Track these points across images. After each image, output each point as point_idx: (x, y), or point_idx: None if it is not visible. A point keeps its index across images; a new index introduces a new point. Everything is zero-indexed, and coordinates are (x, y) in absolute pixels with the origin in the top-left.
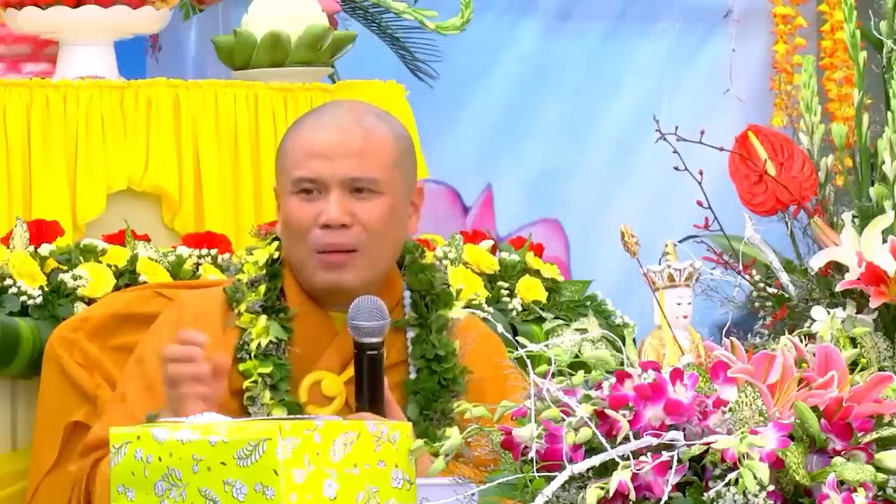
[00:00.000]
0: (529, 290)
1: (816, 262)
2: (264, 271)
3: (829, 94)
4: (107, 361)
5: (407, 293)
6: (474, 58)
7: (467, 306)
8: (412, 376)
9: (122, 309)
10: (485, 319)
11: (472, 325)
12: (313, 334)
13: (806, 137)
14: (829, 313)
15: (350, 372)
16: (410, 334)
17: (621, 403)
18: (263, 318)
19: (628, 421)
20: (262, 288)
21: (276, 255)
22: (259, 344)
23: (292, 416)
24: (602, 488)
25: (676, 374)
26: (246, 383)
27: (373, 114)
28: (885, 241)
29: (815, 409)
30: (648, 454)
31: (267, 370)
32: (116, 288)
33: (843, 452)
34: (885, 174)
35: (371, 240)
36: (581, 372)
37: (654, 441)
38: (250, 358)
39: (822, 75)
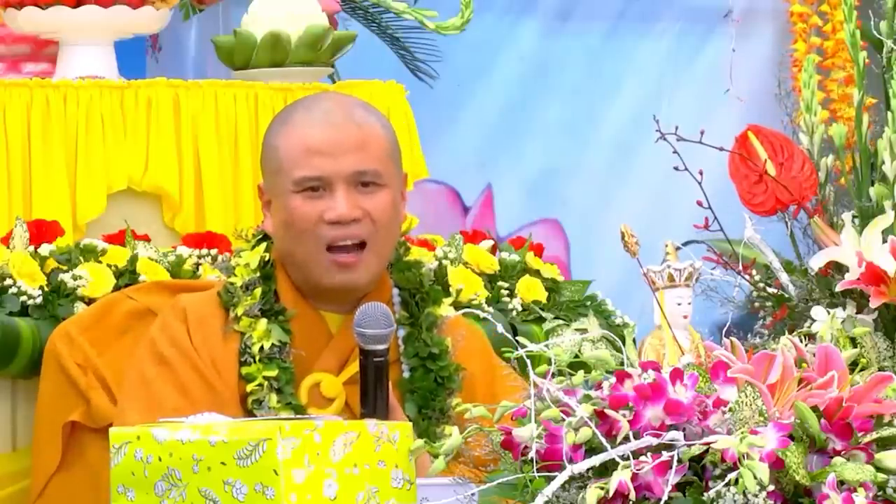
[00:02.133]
0: (529, 290)
1: (816, 262)
2: (258, 274)
3: (831, 95)
4: (102, 365)
5: (395, 291)
6: (474, 58)
7: (467, 306)
8: (406, 375)
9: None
10: (485, 319)
11: (459, 322)
12: (309, 336)
13: (806, 137)
14: (829, 313)
15: (348, 372)
16: (402, 333)
17: (621, 403)
18: (263, 321)
19: (628, 421)
20: (258, 291)
21: (266, 257)
22: (262, 347)
23: (292, 416)
24: (602, 488)
25: (676, 374)
26: (250, 387)
27: (360, 107)
28: (885, 241)
29: (815, 409)
30: (648, 454)
31: (272, 373)
32: (116, 288)
33: (843, 452)
34: (885, 174)
35: (380, 232)
36: (581, 372)
37: (654, 441)
38: (254, 362)
39: (825, 75)
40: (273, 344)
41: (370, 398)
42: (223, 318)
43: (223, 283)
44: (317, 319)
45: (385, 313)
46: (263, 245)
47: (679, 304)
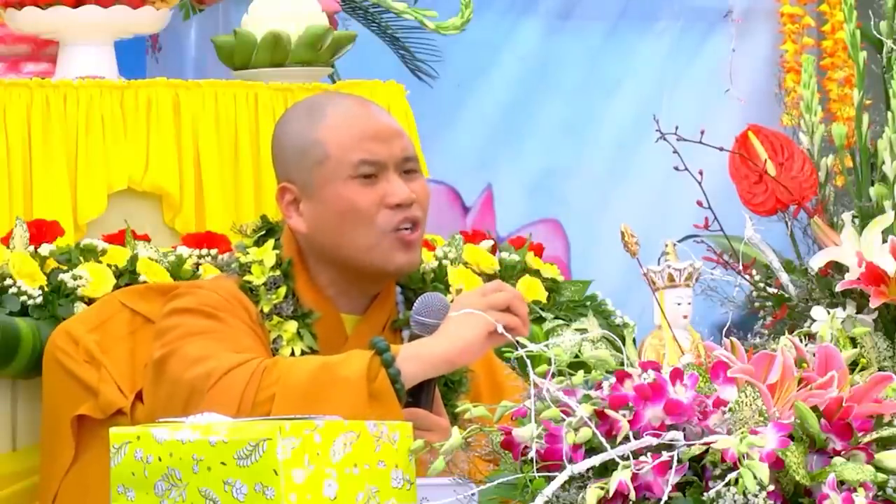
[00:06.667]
0: (529, 290)
1: (816, 262)
2: (277, 272)
3: (830, 95)
4: (107, 364)
5: (398, 290)
6: (474, 58)
7: None
8: None
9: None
10: None
11: None
12: (327, 338)
13: (806, 137)
14: (829, 313)
15: None
16: (406, 334)
17: (621, 403)
18: (293, 323)
19: (628, 421)
20: (283, 290)
21: (282, 255)
22: (293, 351)
23: (292, 416)
24: (602, 488)
25: (676, 374)
26: None
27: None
28: (885, 241)
29: (815, 409)
30: (648, 454)
31: None
32: (116, 288)
33: (843, 452)
34: (885, 174)
35: (424, 217)
36: (581, 372)
37: (654, 441)
38: None
39: (823, 75)
40: (303, 350)
41: (419, 388)
42: (254, 307)
43: (238, 280)
44: (335, 321)
45: (445, 305)
46: (272, 242)
47: (679, 304)
